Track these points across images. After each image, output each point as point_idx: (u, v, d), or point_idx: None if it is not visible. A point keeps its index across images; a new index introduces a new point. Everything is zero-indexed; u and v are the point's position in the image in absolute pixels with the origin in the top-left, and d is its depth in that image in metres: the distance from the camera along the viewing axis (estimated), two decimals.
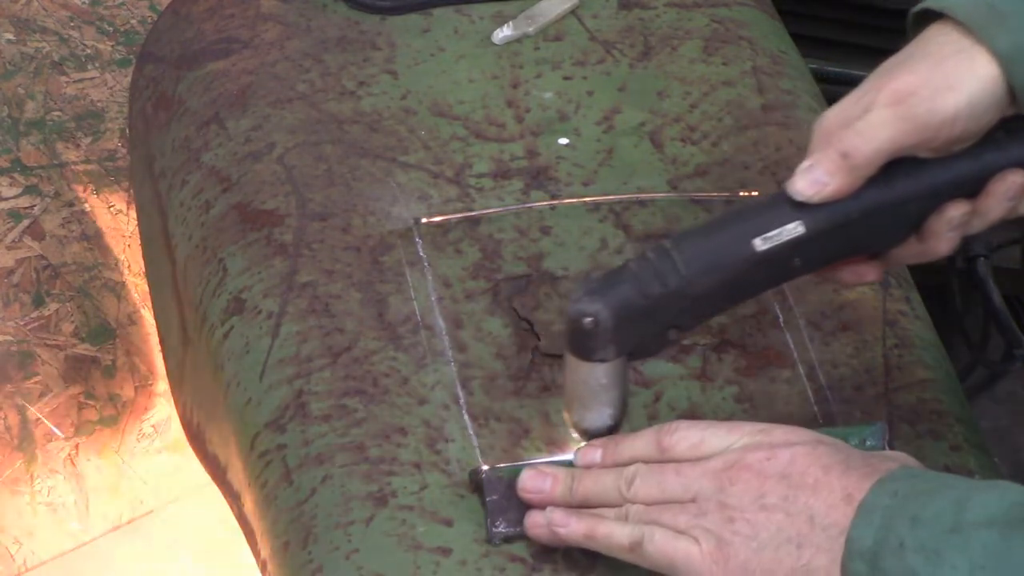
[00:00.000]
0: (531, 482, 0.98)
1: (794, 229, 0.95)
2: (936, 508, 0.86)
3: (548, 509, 0.97)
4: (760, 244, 0.95)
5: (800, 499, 0.90)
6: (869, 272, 1.00)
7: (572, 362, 0.97)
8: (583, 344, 0.96)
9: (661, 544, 0.92)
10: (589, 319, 0.94)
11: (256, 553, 1.08)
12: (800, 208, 0.95)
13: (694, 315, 0.97)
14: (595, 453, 0.99)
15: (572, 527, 0.96)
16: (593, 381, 0.97)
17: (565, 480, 0.98)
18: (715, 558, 0.91)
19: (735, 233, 0.96)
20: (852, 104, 0.95)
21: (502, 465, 1.01)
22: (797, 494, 0.91)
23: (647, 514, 0.94)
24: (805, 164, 0.96)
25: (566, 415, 1.00)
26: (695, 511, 0.92)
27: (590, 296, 0.94)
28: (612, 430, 1.00)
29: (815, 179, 0.96)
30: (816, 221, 0.95)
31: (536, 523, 0.97)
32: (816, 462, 0.91)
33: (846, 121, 0.95)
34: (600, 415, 0.99)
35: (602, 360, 0.96)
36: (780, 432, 0.94)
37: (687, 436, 0.95)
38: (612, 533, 0.95)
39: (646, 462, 0.96)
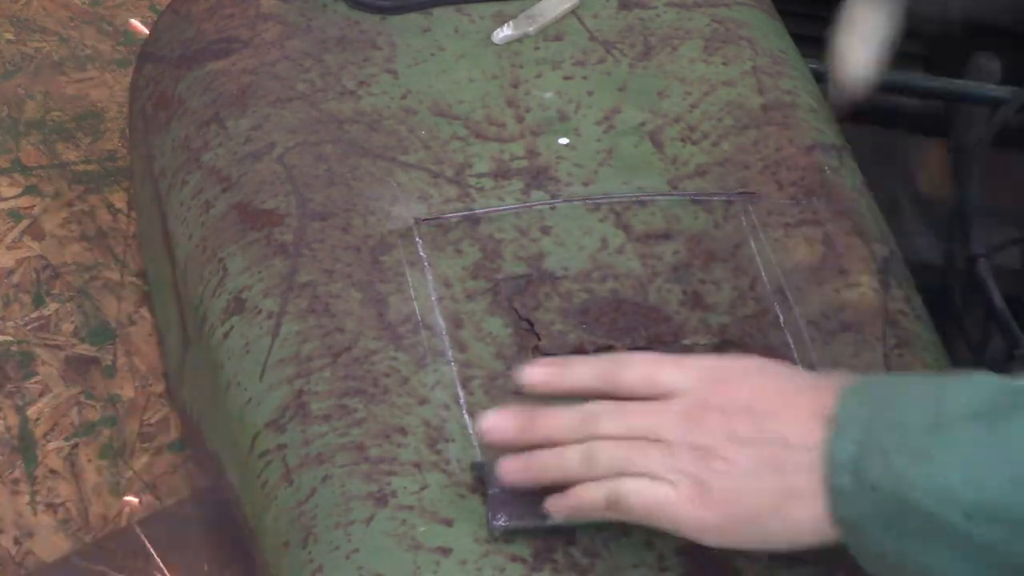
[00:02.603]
0: (490, 421, 0.98)
1: None
2: (914, 409, 0.85)
3: (516, 456, 0.97)
4: None
5: (769, 427, 0.89)
6: None
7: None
8: None
9: (639, 495, 0.91)
10: None
11: (256, 553, 1.07)
12: None
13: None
14: (542, 371, 0.98)
15: (536, 472, 0.95)
16: (872, 21, 0.98)
17: (523, 419, 0.97)
18: (697, 500, 0.90)
19: None
20: None
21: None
22: (765, 422, 0.90)
23: (615, 456, 0.93)
24: None
25: (834, 66, 1.00)
26: (666, 453, 0.91)
27: None
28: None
29: None
30: None
31: (508, 469, 0.97)
32: (775, 388, 0.91)
33: None
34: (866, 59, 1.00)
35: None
36: (730, 365, 0.94)
37: (639, 371, 0.95)
38: (586, 495, 0.94)
39: (595, 394, 0.95)
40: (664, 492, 0.91)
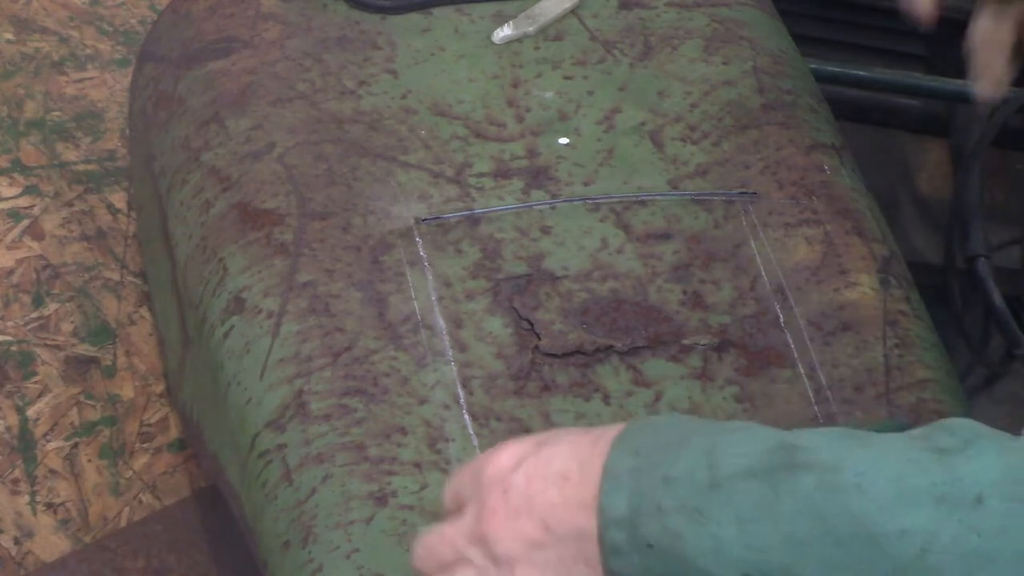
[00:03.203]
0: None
1: None
2: (686, 464, 0.82)
3: None
4: None
5: (557, 518, 0.85)
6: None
7: None
8: None
9: None
10: None
11: (256, 553, 1.07)
12: None
13: None
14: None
15: None
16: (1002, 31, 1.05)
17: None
18: None
19: None
20: None
21: None
22: (551, 514, 0.85)
23: None
24: None
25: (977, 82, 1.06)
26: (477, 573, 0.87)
27: None
28: None
29: None
30: None
31: None
32: (547, 467, 0.86)
33: None
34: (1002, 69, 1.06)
35: None
36: (503, 455, 0.88)
37: (445, 493, 0.91)
38: None
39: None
40: None
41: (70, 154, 1.71)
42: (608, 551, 0.83)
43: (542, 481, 0.85)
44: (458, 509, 0.88)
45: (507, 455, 0.87)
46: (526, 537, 0.85)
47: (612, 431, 0.85)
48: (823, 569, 0.79)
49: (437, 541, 0.88)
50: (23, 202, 1.67)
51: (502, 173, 1.20)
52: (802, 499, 0.79)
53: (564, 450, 0.86)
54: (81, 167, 1.70)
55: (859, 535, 0.78)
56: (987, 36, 1.08)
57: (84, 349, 1.55)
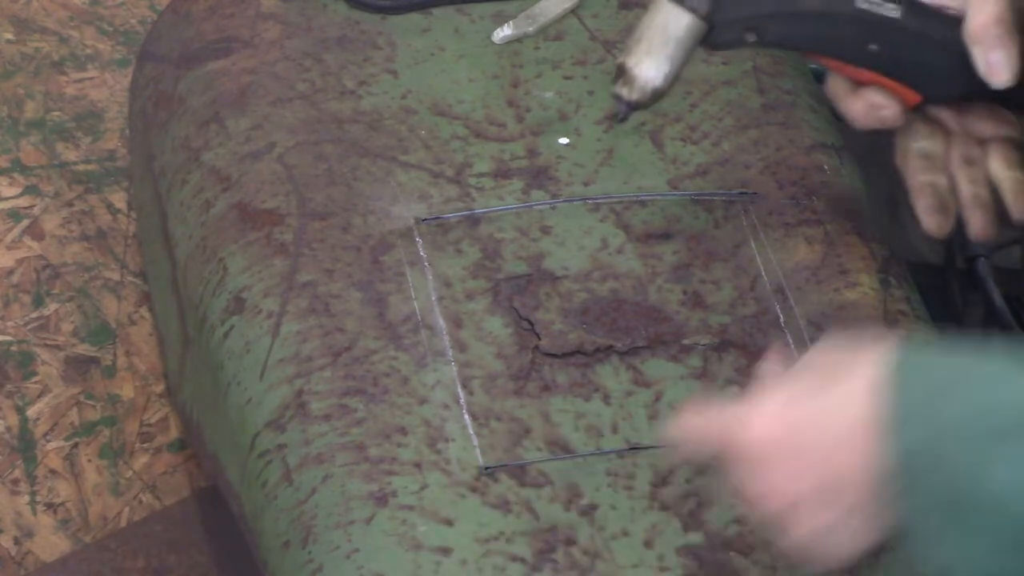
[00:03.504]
0: None
1: (892, 10, 1.02)
2: (965, 413, 0.84)
3: None
4: (860, 3, 1.02)
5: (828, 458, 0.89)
6: (890, 106, 1.03)
7: (663, 4, 1.02)
8: None
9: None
10: None
11: (256, 553, 1.07)
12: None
13: (774, 29, 1.03)
14: None
15: None
16: (673, 28, 1.02)
17: None
18: None
19: None
20: None
21: None
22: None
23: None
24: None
25: (624, 59, 1.04)
26: None
27: None
28: (657, 94, 1.04)
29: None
30: (913, 16, 1.02)
31: None
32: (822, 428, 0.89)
33: None
34: (658, 67, 1.03)
35: (693, 10, 1.01)
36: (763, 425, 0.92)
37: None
38: None
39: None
40: None
41: (70, 154, 1.71)
42: (896, 495, 0.85)
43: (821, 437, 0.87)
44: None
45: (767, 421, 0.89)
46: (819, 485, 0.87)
47: (866, 373, 0.86)
48: None
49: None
50: (23, 202, 1.67)
51: (502, 173, 1.20)
52: None
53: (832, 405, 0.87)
54: (81, 167, 1.70)
55: None
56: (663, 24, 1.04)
57: (84, 349, 1.55)
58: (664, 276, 1.14)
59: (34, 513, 1.45)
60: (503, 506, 1.01)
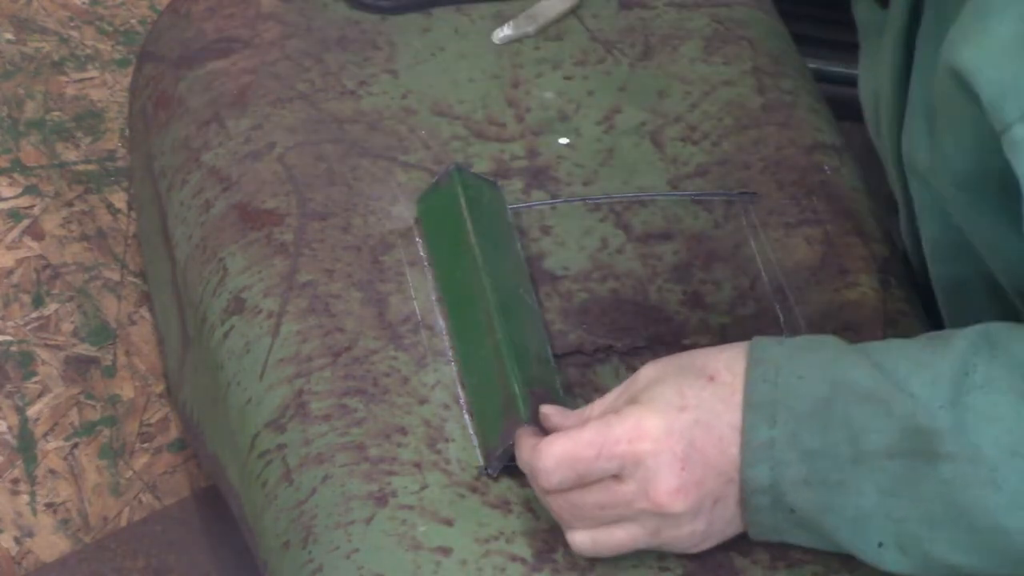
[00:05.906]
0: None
1: None
2: (827, 439, 0.88)
3: None
4: None
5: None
6: None
7: None
8: None
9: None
10: None
11: (256, 553, 1.07)
12: None
13: None
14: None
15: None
16: None
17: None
18: None
19: None
20: None
21: None
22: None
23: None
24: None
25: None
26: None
27: None
28: None
29: None
30: None
31: None
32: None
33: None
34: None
35: None
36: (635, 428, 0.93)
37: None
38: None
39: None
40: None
41: (70, 154, 1.71)
42: (752, 512, 0.91)
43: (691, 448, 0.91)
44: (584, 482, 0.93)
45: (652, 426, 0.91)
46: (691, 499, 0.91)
47: (731, 383, 0.91)
48: (952, 548, 0.86)
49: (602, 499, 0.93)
50: (23, 202, 1.66)
51: (502, 173, 1.20)
52: (940, 484, 0.85)
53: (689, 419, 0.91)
54: (81, 167, 1.70)
55: (991, 526, 0.84)
56: None
57: (84, 349, 1.55)
58: (664, 276, 1.14)
59: (34, 513, 1.45)
60: (503, 506, 1.01)
